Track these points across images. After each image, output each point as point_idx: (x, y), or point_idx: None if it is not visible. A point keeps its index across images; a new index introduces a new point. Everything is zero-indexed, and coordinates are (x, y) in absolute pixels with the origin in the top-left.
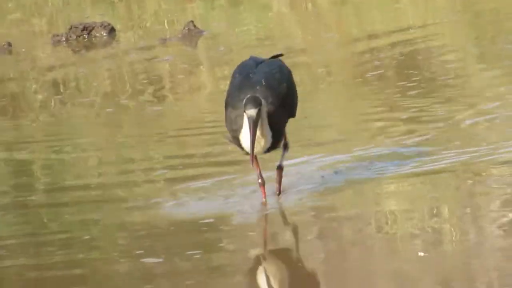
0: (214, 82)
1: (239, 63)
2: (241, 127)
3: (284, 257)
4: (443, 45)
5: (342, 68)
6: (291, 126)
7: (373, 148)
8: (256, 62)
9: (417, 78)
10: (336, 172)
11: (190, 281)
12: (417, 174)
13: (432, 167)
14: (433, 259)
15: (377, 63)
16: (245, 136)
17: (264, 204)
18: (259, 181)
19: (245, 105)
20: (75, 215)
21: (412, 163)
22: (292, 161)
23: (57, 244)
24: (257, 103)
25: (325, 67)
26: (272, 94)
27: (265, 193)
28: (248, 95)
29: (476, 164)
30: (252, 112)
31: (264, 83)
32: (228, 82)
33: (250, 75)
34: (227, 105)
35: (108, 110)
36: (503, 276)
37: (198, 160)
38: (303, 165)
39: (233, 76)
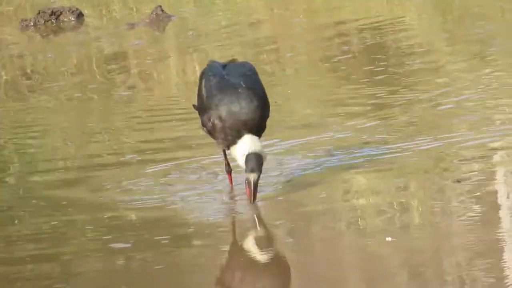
0: (182, 67)
1: (206, 49)
2: (233, 141)
3: (254, 241)
4: (411, 29)
5: (309, 53)
6: None
7: (340, 134)
8: (222, 65)
9: (385, 63)
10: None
11: (159, 266)
12: (384, 161)
13: (399, 154)
14: (401, 244)
15: (344, 48)
16: (237, 153)
17: (231, 191)
18: (226, 169)
19: (247, 165)
20: (43, 203)
21: (378, 150)
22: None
23: (24, 235)
24: (260, 166)
25: (293, 52)
26: (256, 96)
27: (231, 180)
28: (251, 153)
29: (445, 151)
30: (255, 176)
31: (244, 85)
32: (196, 66)
33: (226, 77)
34: (207, 108)
35: (76, 95)
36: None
37: (167, 146)
38: (270, 152)
39: (206, 77)
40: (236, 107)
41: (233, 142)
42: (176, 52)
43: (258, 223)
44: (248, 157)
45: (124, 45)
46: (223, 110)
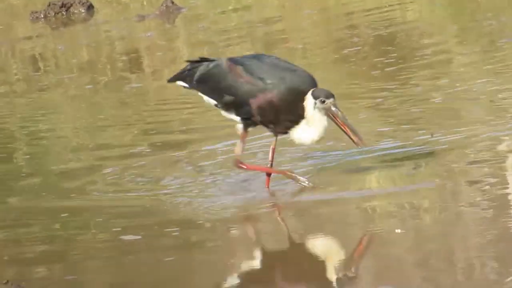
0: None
1: (216, 41)
2: (300, 117)
3: (264, 238)
4: (421, 21)
5: (320, 44)
6: None
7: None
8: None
9: (395, 55)
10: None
11: (170, 258)
12: (395, 156)
13: (410, 149)
14: (411, 236)
15: (355, 39)
16: (306, 129)
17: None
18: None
19: (321, 92)
20: (53, 197)
21: (390, 144)
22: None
23: (36, 225)
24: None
25: (303, 44)
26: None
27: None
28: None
29: (456, 146)
30: (334, 102)
31: (294, 65)
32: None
33: (265, 61)
34: (260, 91)
35: (87, 87)
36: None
37: (177, 139)
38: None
39: (243, 65)
40: (302, 83)
41: (297, 121)
42: (186, 44)
43: (269, 217)
44: (316, 89)
45: (134, 37)
46: (290, 87)
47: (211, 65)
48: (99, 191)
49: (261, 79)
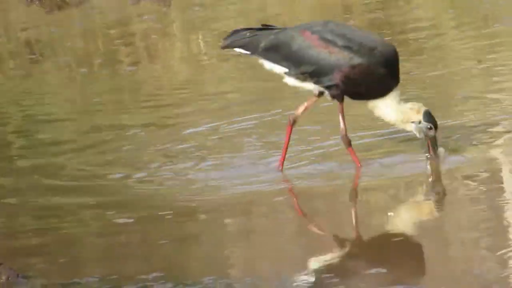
0: (188, 42)
1: (212, 23)
2: (387, 90)
3: (260, 225)
4: (417, 3)
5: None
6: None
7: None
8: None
9: (390, 38)
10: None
11: (163, 241)
12: (393, 140)
13: (406, 135)
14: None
15: (352, 22)
16: (390, 109)
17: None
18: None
19: (433, 120)
20: (45, 181)
21: (387, 131)
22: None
23: (28, 208)
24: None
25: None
26: None
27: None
28: (428, 110)
29: (454, 134)
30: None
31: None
32: (201, 42)
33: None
34: (345, 59)
35: (81, 70)
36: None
37: (170, 123)
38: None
39: (317, 32)
40: (392, 55)
41: (383, 94)
42: (182, 26)
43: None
44: (429, 113)
45: (129, 20)
46: (381, 59)
47: (281, 33)
48: (90, 176)
49: (348, 48)
